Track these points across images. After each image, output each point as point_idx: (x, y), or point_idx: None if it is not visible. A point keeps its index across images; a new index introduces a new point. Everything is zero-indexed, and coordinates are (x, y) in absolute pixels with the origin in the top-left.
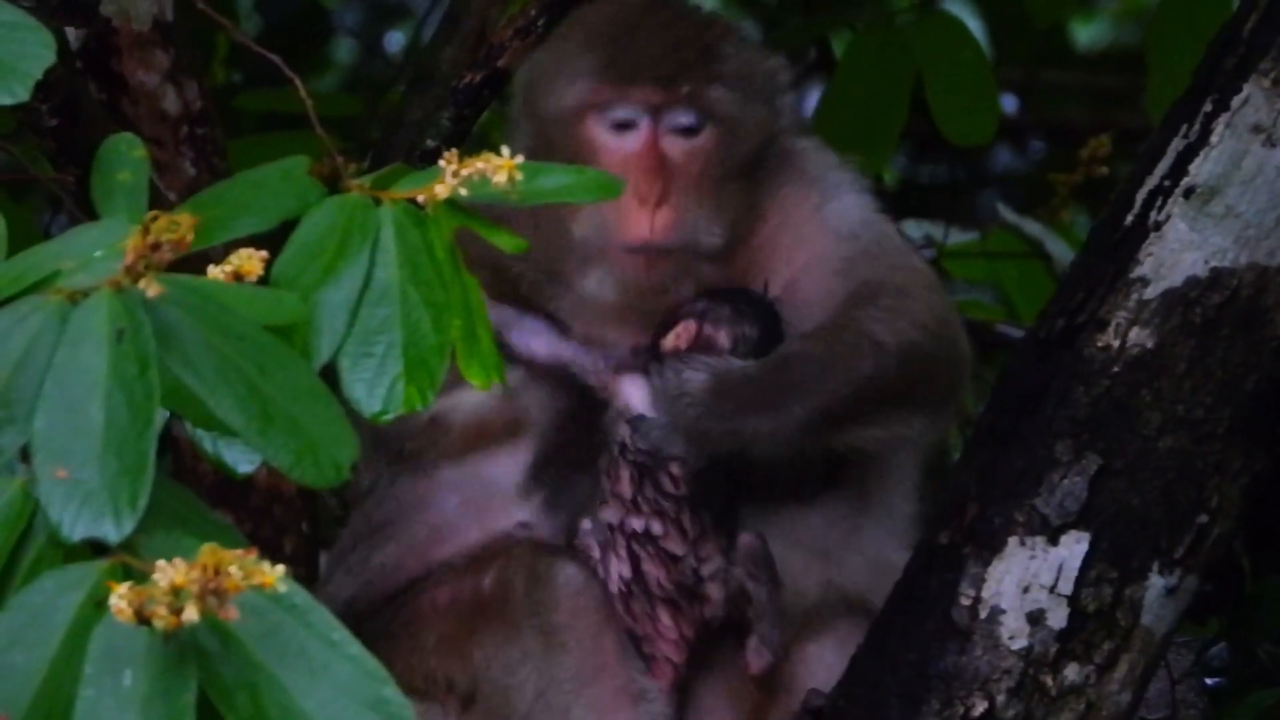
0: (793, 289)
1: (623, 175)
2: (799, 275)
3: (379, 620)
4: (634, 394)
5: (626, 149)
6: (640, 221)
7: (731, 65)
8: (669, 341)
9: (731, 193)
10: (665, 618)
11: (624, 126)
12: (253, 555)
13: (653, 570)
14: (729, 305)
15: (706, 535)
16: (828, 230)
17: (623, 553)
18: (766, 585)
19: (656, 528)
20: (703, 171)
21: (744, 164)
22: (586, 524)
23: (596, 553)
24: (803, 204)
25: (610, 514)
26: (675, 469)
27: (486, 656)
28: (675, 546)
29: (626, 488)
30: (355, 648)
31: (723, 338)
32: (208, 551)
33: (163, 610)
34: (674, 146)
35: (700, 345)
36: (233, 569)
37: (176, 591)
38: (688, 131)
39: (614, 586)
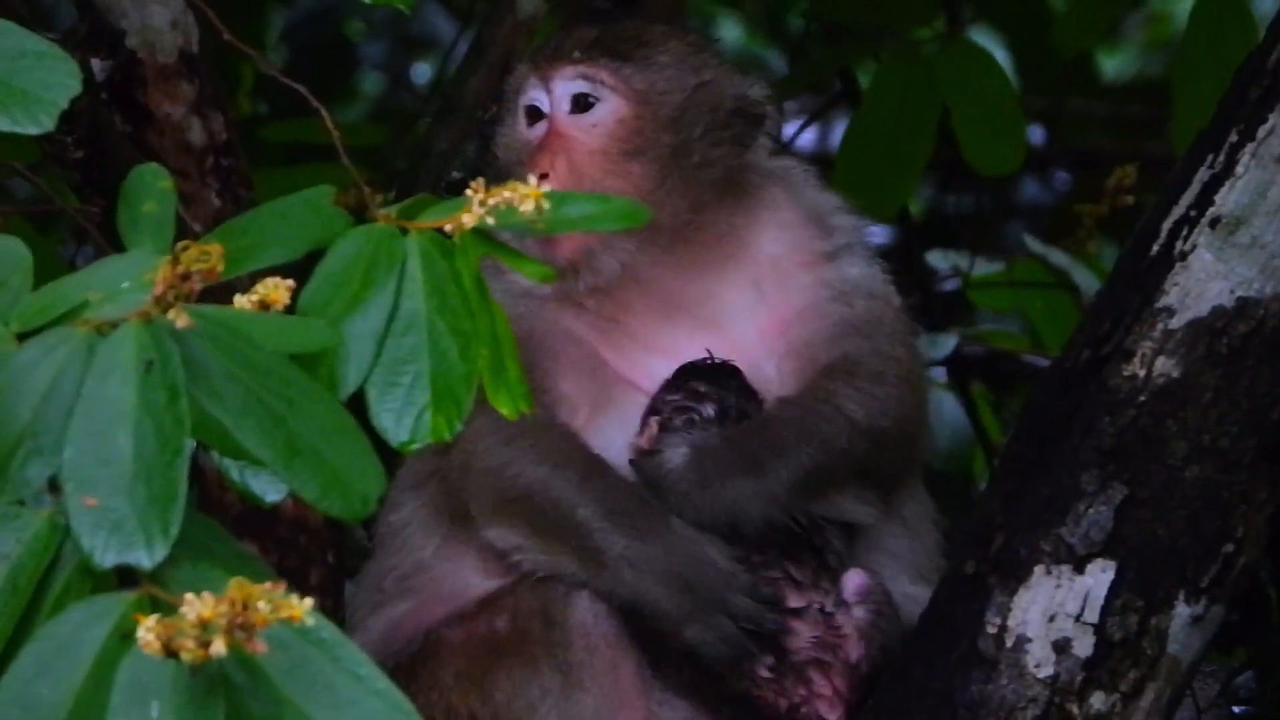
0: (777, 328)
1: (532, 162)
2: (788, 318)
3: (397, 657)
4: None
5: (535, 135)
6: None
7: (647, 49)
8: (642, 442)
9: (670, 182)
10: (817, 677)
11: (535, 116)
12: (281, 588)
13: (786, 639)
14: (698, 385)
15: (818, 577)
16: (831, 287)
17: (760, 646)
18: (890, 619)
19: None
20: (607, 150)
21: (674, 153)
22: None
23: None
24: (807, 245)
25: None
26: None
27: (506, 696)
28: (796, 600)
29: None
30: (382, 682)
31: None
32: (236, 585)
33: (190, 643)
34: (573, 125)
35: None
36: (261, 603)
37: (204, 624)
38: (584, 106)
39: (763, 672)
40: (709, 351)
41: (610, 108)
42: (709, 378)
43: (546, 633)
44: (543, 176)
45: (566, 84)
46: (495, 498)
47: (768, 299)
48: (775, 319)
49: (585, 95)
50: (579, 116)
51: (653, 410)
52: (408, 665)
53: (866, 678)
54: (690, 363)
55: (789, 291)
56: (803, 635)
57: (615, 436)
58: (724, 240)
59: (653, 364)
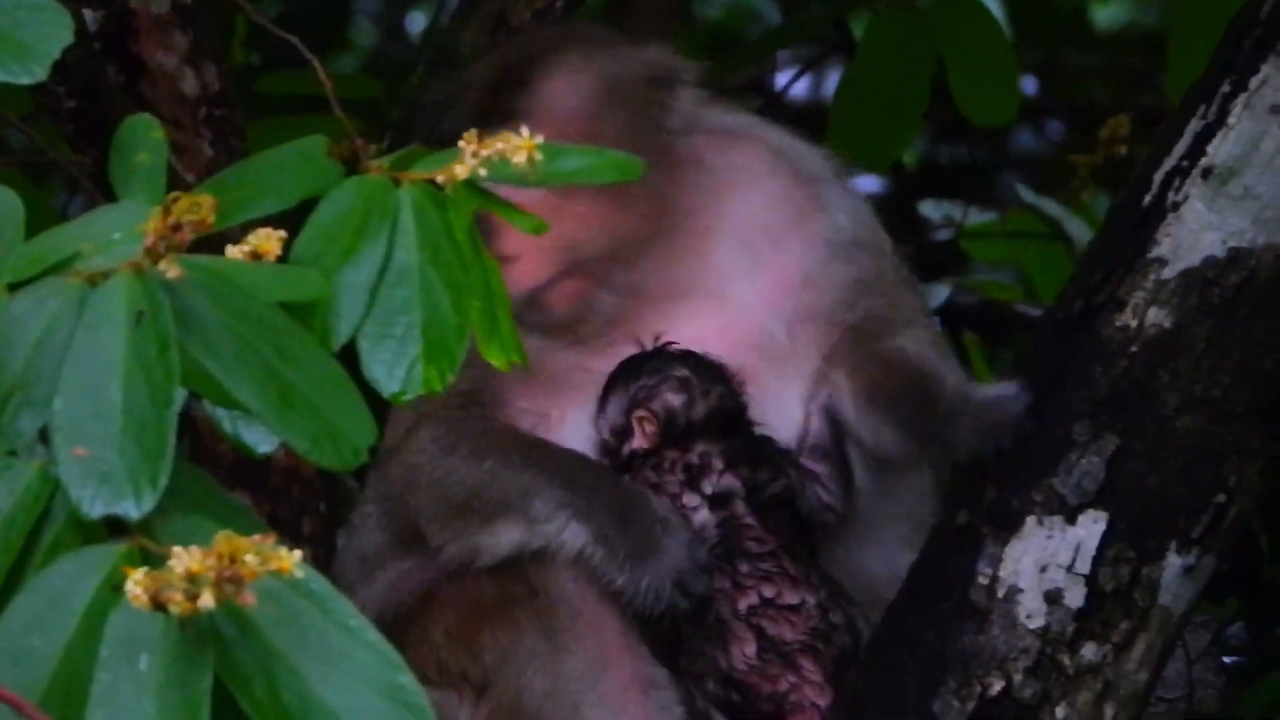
0: (780, 289)
1: None
2: (790, 279)
3: (394, 612)
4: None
5: None
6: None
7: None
8: (638, 444)
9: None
10: (808, 664)
11: None
12: (270, 541)
13: (779, 630)
14: (643, 374)
15: (811, 566)
16: (828, 244)
17: (743, 634)
18: (861, 620)
19: (769, 591)
20: None
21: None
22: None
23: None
24: (788, 198)
25: (718, 610)
26: (758, 531)
27: (494, 657)
28: (792, 597)
29: (719, 578)
30: (372, 634)
31: (673, 398)
32: (224, 538)
33: (179, 596)
34: None
35: (666, 423)
36: (249, 555)
37: (193, 578)
38: None
39: (742, 664)
40: (640, 343)
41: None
42: (657, 355)
43: (530, 598)
44: None
45: None
46: (443, 507)
47: (762, 262)
48: (776, 281)
49: None
50: None
51: (630, 408)
52: (402, 621)
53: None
54: (632, 356)
55: (782, 250)
56: (797, 628)
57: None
58: (701, 212)
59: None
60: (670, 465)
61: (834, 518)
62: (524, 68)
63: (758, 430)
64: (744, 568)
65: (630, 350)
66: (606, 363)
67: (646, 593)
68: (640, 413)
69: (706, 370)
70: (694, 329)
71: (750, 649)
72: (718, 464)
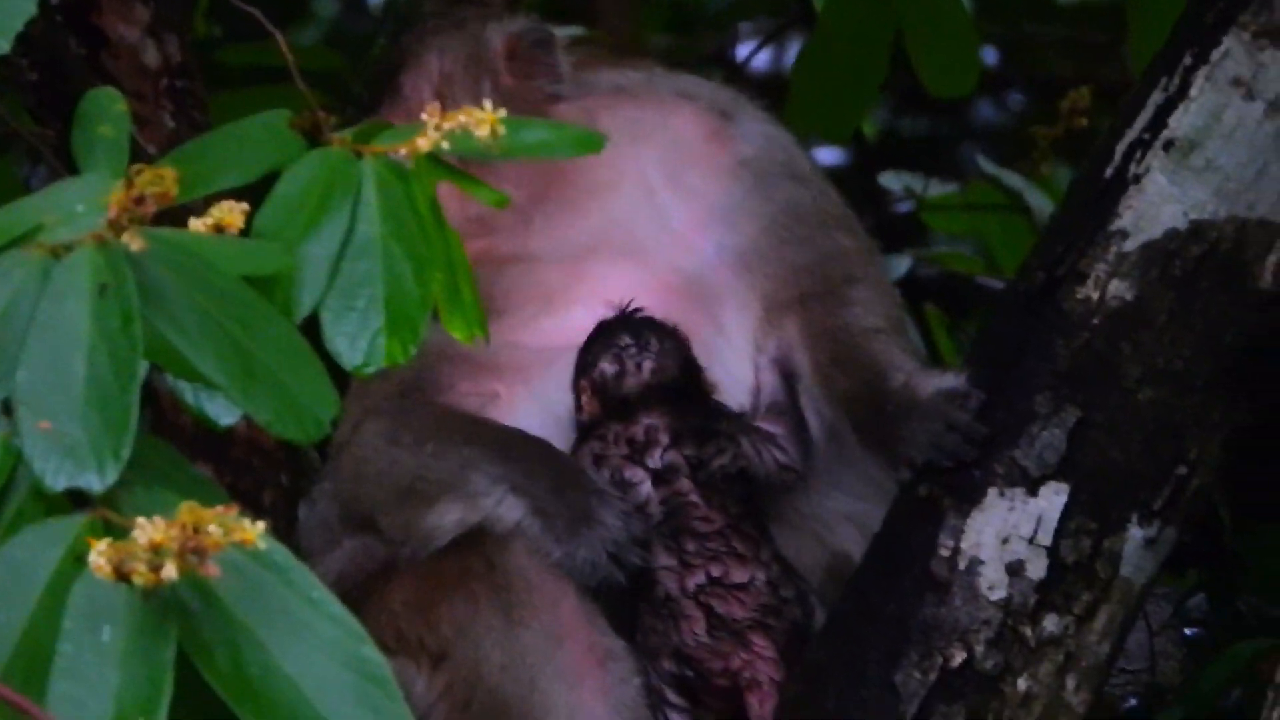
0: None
1: None
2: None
3: (354, 580)
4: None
5: None
6: None
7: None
8: (584, 414)
9: None
10: (759, 639)
11: None
12: (233, 512)
13: (728, 608)
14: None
15: (760, 543)
16: (739, 176)
17: (692, 613)
18: (811, 592)
19: (716, 570)
20: None
21: None
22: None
23: (657, 638)
24: (688, 130)
25: (666, 587)
26: (704, 508)
27: (451, 630)
28: (740, 575)
29: (665, 557)
30: (335, 606)
31: (608, 366)
32: (187, 509)
33: (142, 567)
34: None
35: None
36: (213, 526)
37: (156, 549)
38: None
39: (692, 641)
40: (615, 306)
41: None
42: (643, 322)
43: (487, 572)
44: None
45: None
46: (390, 496)
47: (668, 205)
48: (687, 221)
49: None
50: None
51: (575, 379)
52: (362, 588)
53: (809, 635)
54: (603, 320)
55: (686, 188)
56: (746, 605)
57: (554, 402)
58: (595, 169)
59: (573, 318)
60: (614, 438)
61: (794, 477)
62: (405, 49)
63: (711, 398)
64: (690, 546)
65: (555, 322)
66: (535, 337)
67: (583, 565)
68: (582, 382)
69: (654, 338)
70: (614, 287)
71: (700, 627)
72: (663, 438)
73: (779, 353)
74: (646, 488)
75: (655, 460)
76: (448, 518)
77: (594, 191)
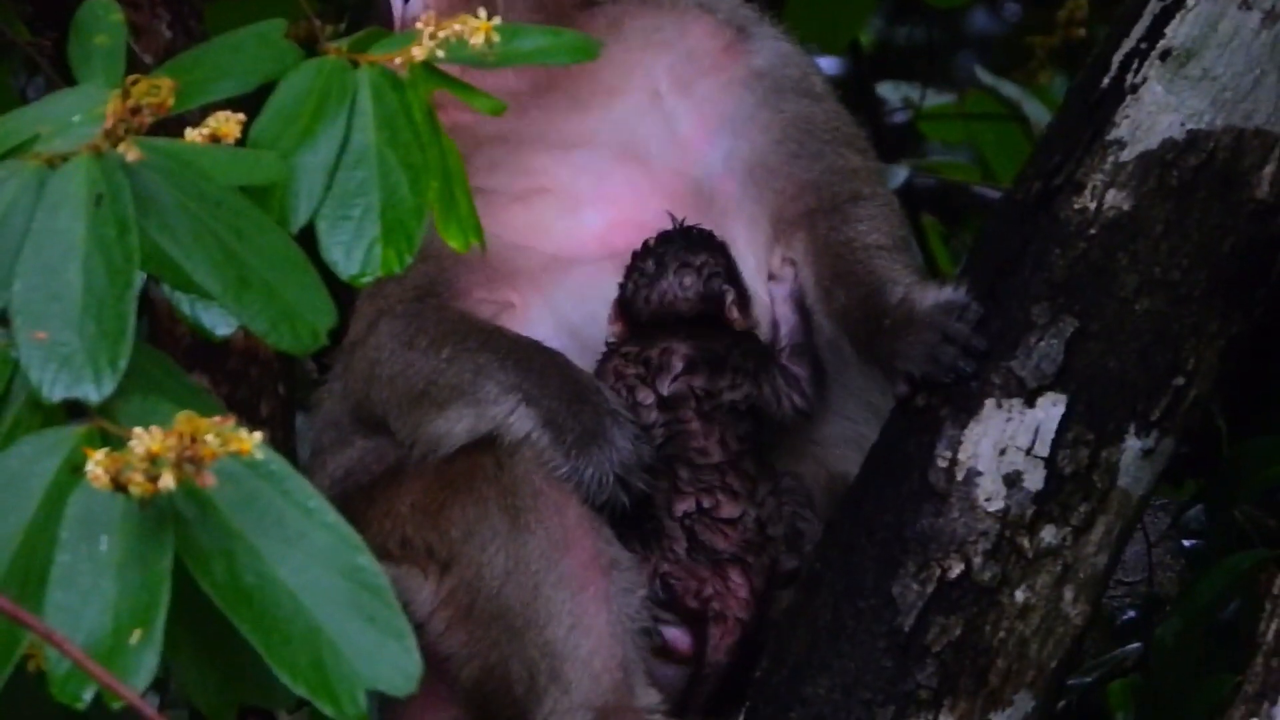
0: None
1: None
2: (712, 126)
3: (358, 482)
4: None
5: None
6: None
7: None
8: (610, 331)
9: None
10: (736, 576)
11: None
12: (230, 422)
13: (712, 538)
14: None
15: (756, 482)
16: (750, 87)
17: (675, 534)
18: (813, 522)
19: (707, 502)
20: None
21: None
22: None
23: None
24: (703, 41)
25: (656, 508)
26: (703, 440)
27: (460, 532)
28: (730, 510)
29: (659, 479)
30: (331, 515)
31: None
32: (184, 419)
33: (139, 477)
34: None
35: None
36: (209, 436)
37: (153, 459)
38: None
39: (670, 559)
40: (671, 216)
41: None
42: (681, 243)
43: (496, 473)
44: None
45: None
46: (403, 399)
47: (678, 111)
48: (694, 129)
49: None
50: None
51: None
52: (367, 491)
53: (786, 578)
54: (662, 232)
55: (696, 96)
56: (730, 539)
57: (569, 313)
58: (606, 69)
59: (586, 222)
60: (633, 357)
61: (804, 418)
62: None
63: (741, 330)
64: (684, 474)
65: (567, 226)
66: (548, 242)
67: (589, 483)
68: (615, 300)
69: (687, 261)
70: (617, 187)
71: (680, 546)
72: (677, 364)
73: (796, 287)
74: (654, 413)
75: (665, 385)
76: (459, 425)
77: (595, 91)
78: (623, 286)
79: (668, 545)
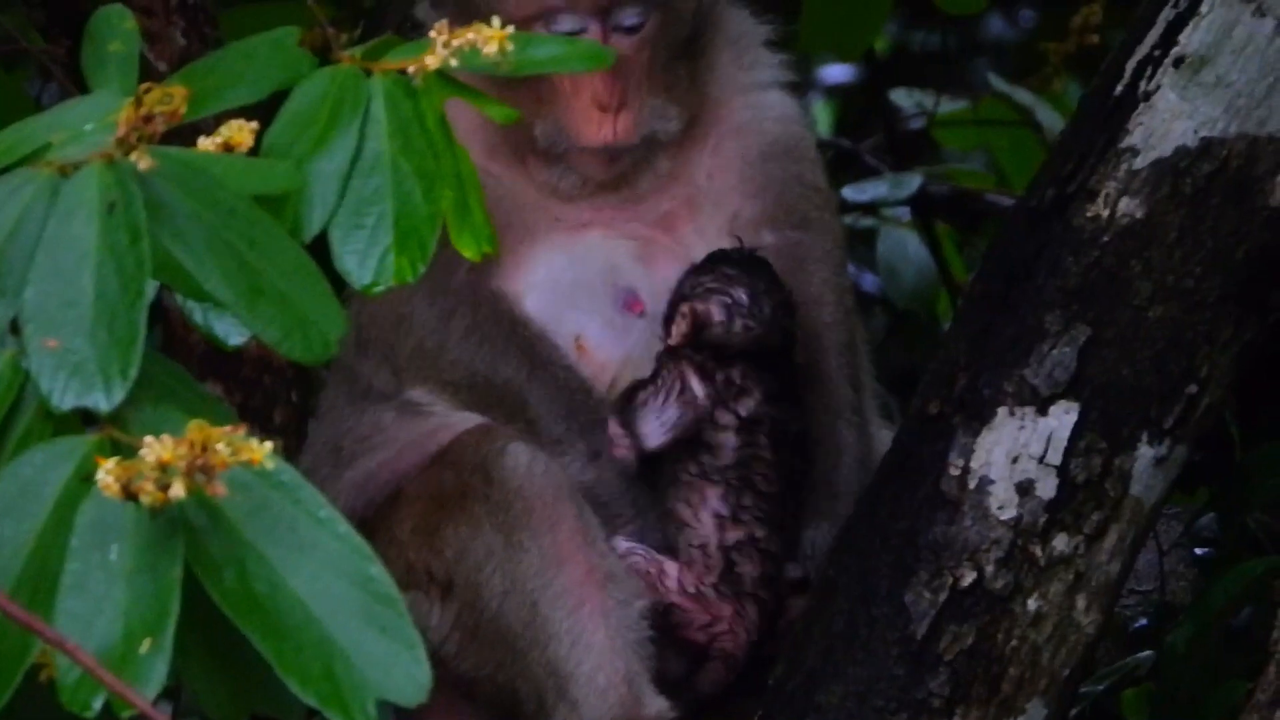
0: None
1: (577, 81)
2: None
3: (365, 510)
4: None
5: None
6: (603, 126)
7: None
8: (672, 336)
9: (679, 74)
10: (751, 610)
11: (573, 34)
12: (241, 431)
13: (748, 569)
14: (728, 269)
15: (787, 519)
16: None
17: (715, 563)
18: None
19: (759, 532)
20: (652, 62)
21: (685, 43)
22: (630, 545)
23: (652, 566)
24: (733, 79)
25: (698, 534)
26: (766, 469)
27: (454, 553)
28: (772, 545)
29: (721, 504)
30: (342, 525)
31: (716, 311)
32: (195, 427)
33: (150, 486)
34: (623, 44)
35: (696, 330)
36: (220, 445)
37: (164, 467)
38: (632, 29)
39: (692, 589)
40: (739, 239)
41: (653, 24)
42: (739, 264)
43: (486, 490)
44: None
45: (623, 15)
46: (434, 376)
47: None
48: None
49: (637, 24)
50: (627, 37)
51: (681, 296)
52: (372, 519)
53: (792, 586)
54: (720, 249)
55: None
56: (761, 572)
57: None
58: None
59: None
60: (709, 372)
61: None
62: None
63: (795, 361)
64: (747, 501)
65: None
66: (578, 212)
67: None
68: (683, 308)
69: (768, 293)
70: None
71: (713, 577)
72: (756, 391)
73: None
74: (731, 435)
75: (745, 409)
76: (464, 412)
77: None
78: (704, 307)
79: (701, 571)
